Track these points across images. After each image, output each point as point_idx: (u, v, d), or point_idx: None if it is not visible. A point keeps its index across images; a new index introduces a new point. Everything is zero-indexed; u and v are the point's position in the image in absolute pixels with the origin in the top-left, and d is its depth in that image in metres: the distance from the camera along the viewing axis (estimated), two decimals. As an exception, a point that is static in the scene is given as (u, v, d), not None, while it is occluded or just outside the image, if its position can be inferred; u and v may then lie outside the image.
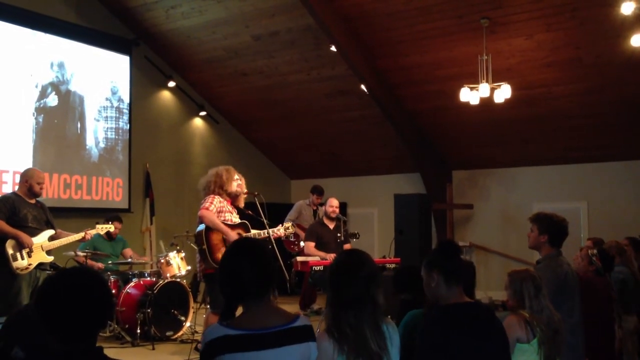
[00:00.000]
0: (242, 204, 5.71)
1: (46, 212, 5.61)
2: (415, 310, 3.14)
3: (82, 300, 1.87)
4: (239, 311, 2.30)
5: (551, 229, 3.81)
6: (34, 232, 5.32)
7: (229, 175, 5.52)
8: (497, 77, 7.29)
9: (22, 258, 5.18)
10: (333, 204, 7.31)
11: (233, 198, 5.58)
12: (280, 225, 5.86)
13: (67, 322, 1.86)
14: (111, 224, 7.10)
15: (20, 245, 5.18)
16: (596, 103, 8.15)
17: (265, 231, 5.49)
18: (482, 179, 10.25)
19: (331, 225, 7.23)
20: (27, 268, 5.21)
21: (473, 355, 2.53)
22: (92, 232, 5.94)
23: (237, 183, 5.57)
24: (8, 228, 5.16)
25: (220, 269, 2.34)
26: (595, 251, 4.76)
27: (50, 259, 5.47)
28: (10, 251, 5.12)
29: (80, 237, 5.73)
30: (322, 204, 8.36)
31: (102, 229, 6.18)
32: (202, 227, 5.30)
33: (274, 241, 5.52)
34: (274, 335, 2.19)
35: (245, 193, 5.69)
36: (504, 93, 7.23)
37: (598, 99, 8.07)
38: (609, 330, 4.52)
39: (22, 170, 5.87)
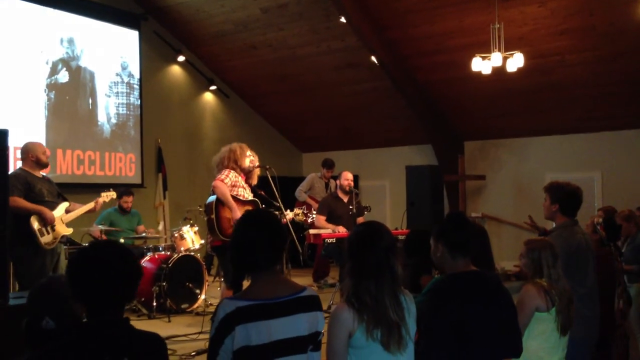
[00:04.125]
0: (255, 181, 5.74)
1: (54, 185, 5.56)
2: (439, 277, 3.16)
3: (112, 272, 1.95)
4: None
5: (562, 198, 3.76)
6: (52, 206, 5.31)
7: (242, 152, 5.56)
8: (509, 46, 7.19)
9: (48, 233, 5.19)
10: (348, 177, 7.28)
11: (246, 174, 5.61)
12: (290, 211, 5.91)
13: (97, 293, 1.94)
14: (124, 197, 7.16)
15: (44, 221, 5.16)
16: (610, 71, 8.03)
17: (276, 212, 5.53)
18: (495, 150, 10.19)
19: (345, 199, 7.23)
20: (53, 242, 5.24)
21: (479, 322, 2.55)
22: (101, 200, 5.86)
23: (250, 159, 5.60)
24: (29, 204, 5.10)
25: (232, 240, 2.37)
26: (600, 220, 4.73)
27: (70, 230, 5.50)
28: (36, 227, 5.10)
29: (91, 207, 5.68)
30: (334, 177, 8.38)
31: (107, 196, 6.11)
32: (213, 198, 5.34)
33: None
34: (283, 304, 2.22)
35: (257, 166, 5.72)
36: (516, 62, 7.14)
37: (612, 66, 7.95)
38: (609, 301, 4.51)
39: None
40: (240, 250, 2.29)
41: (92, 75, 8.60)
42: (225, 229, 5.20)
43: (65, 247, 6.23)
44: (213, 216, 5.25)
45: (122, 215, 7.50)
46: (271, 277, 2.28)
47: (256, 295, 2.21)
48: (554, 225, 3.93)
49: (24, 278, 5.13)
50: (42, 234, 5.14)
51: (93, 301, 1.95)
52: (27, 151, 5.37)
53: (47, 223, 5.19)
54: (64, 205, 5.46)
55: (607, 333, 4.46)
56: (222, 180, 5.32)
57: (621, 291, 4.58)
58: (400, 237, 6.74)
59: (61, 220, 5.35)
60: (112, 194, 6.21)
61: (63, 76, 8.24)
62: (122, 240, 7.36)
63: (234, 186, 5.40)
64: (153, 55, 9.55)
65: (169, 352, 5.15)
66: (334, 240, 6.50)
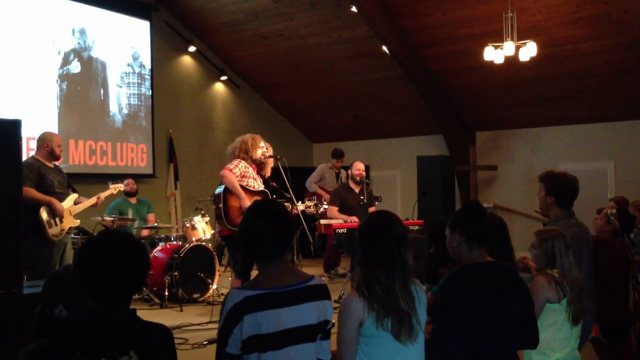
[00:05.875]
0: (268, 173, 5.73)
1: (65, 176, 5.60)
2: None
3: (120, 262, 1.91)
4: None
5: (558, 190, 3.63)
6: (61, 197, 5.36)
7: (254, 142, 5.55)
8: (522, 35, 7.12)
9: (56, 224, 5.24)
10: (359, 167, 7.27)
11: (258, 166, 5.61)
12: (301, 202, 5.90)
13: (103, 283, 1.90)
14: (125, 181, 7.20)
15: (53, 212, 5.21)
16: (624, 59, 7.93)
17: (286, 203, 5.52)
18: (506, 140, 10.13)
19: (357, 189, 7.22)
20: (60, 234, 5.29)
21: (494, 314, 2.53)
22: (105, 194, 5.90)
23: (262, 151, 5.59)
24: (40, 195, 5.16)
25: (240, 229, 2.36)
26: (614, 211, 4.66)
27: (78, 222, 5.56)
28: (45, 217, 5.14)
29: (93, 202, 5.69)
30: (344, 168, 8.37)
31: (115, 188, 6.20)
32: (221, 188, 5.36)
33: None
34: (292, 292, 2.21)
35: (269, 157, 5.71)
36: (529, 51, 7.07)
37: (626, 55, 7.86)
38: (623, 292, 4.46)
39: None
40: (248, 239, 2.28)
41: (103, 65, 8.63)
42: (233, 219, 5.22)
43: (77, 236, 6.30)
44: (221, 205, 5.27)
45: (130, 204, 7.55)
46: (279, 266, 2.28)
47: (264, 284, 2.21)
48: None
49: (31, 268, 5.15)
50: (50, 226, 5.19)
51: (99, 292, 1.91)
52: (44, 140, 5.42)
53: (56, 215, 5.24)
54: (73, 196, 5.51)
55: (624, 325, 4.41)
56: (231, 170, 5.33)
57: (635, 283, 4.52)
58: (411, 227, 6.76)
59: (69, 212, 5.39)
60: (120, 186, 6.29)
61: (75, 67, 8.27)
62: (134, 230, 7.43)
63: (243, 176, 5.41)
64: (164, 46, 9.56)
65: (182, 341, 5.21)
66: (344, 230, 6.50)
